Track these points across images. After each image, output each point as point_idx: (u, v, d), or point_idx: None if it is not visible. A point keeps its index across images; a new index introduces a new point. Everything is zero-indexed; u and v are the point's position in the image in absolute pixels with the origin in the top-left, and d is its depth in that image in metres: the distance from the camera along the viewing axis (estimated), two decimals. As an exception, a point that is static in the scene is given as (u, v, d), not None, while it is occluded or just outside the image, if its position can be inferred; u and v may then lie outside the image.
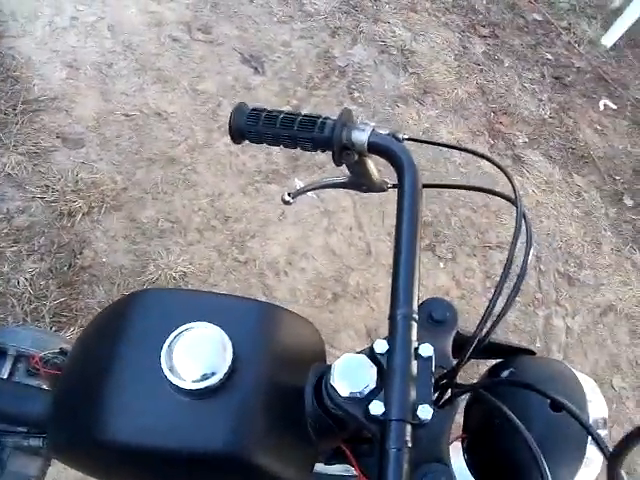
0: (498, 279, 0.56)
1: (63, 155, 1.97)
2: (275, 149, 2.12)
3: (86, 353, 0.71)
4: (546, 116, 2.55)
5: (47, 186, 1.91)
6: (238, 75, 2.27)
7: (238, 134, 0.74)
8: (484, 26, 2.84)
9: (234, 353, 0.53)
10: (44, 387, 1.03)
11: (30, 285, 1.75)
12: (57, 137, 2.00)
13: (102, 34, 2.24)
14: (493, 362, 0.75)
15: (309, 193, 0.96)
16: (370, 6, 2.71)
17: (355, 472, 0.68)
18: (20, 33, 2.19)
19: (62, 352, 1.10)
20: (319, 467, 0.75)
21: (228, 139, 2.22)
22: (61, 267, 1.80)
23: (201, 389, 0.53)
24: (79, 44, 2.20)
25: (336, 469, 0.86)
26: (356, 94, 2.36)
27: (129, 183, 1.96)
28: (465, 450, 0.71)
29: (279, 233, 2.02)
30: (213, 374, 0.53)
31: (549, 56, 2.80)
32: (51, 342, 1.10)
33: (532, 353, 0.76)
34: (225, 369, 0.53)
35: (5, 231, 1.81)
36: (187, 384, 0.52)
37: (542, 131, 2.51)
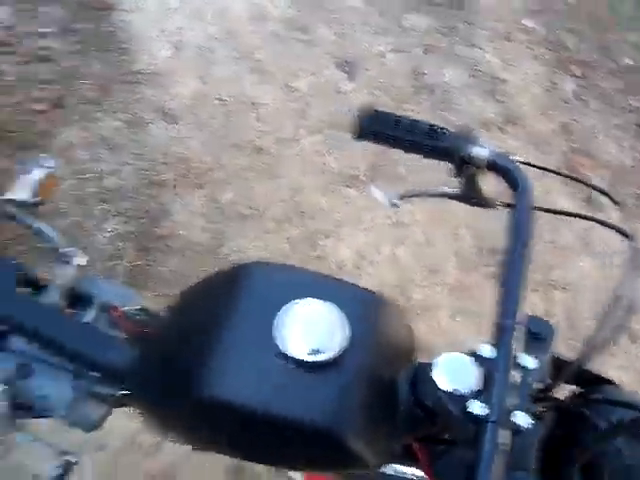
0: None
1: (158, 128, 2.08)
2: (357, 155, 2.19)
3: (188, 316, 0.78)
4: (627, 163, 2.57)
5: (140, 154, 2.02)
6: (330, 78, 2.36)
7: (362, 132, 0.80)
8: (575, 64, 2.87)
9: (350, 331, 0.57)
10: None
11: (110, 244, 1.85)
12: (154, 111, 2.11)
13: (207, 20, 2.36)
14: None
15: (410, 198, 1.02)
16: (465, 29, 2.78)
17: (420, 473, 0.72)
18: (132, 8, 2.32)
19: (143, 309, 1.18)
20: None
21: (314, 138, 2.33)
22: (141, 232, 1.90)
23: (311, 362, 0.56)
24: (185, 26, 2.32)
25: (400, 470, 0.90)
26: (442, 113, 2.42)
27: (215, 164, 2.06)
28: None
29: (351, 236, 2.08)
30: (326, 350, 0.56)
31: (637, 104, 2.82)
32: (133, 298, 1.19)
33: (613, 384, 0.78)
34: (339, 347, 0.56)
35: (95, 190, 1.93)
36: (299, 355, 0.56)
37: (621, 177, 2.53)
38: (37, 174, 1.15)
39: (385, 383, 0.61)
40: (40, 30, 2.23)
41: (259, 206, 2.05)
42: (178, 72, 2.21)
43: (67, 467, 1.19)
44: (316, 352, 0.56)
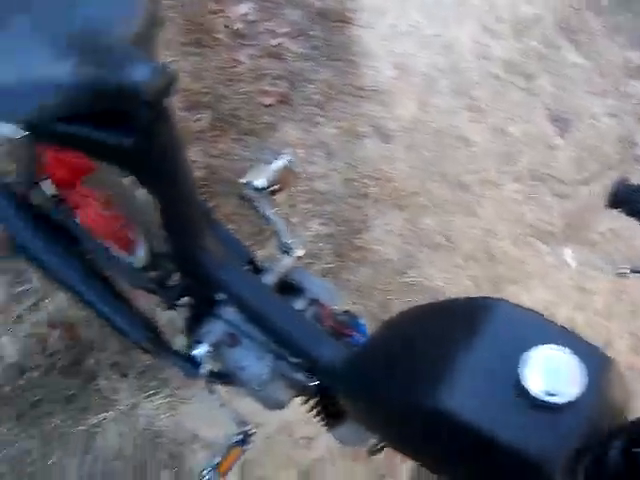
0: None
1: (372, 144, 2.16)
2: (555, 211, 2.17)
3: (419, 332, 0.82)
4: None
5: (351, 164, 2.10)
6: (542, 130, 2.36)
7: (616, 201, 0.79)
8: None
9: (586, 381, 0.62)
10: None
11: (311, 242, 1.93)
12: (371, 126, 2.20)
13: (434, 49, 2.43)
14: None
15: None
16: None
17: None
18: (366, 25, 2.43)
19: (347, 313, 1.22)
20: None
21: (515, 185, 2.30)
22: (340, 238, 1.97)
23: (546, 402, 0.61)
24: (412, 51, 2.41)
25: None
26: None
27: (419, 190, 2.11)
28: None
29: (534, 289, 2.07)
30: (561, 394, 0.61)
31: None
32: (340, 300, 1.23)
33: None
34: (574, 395, 0.61)
35: (305, 189, 2.01)
36: (537, 393, 0.61)
37: None
38: (277, 165, 1.23)
39: (601, 436, 0.64)
40: (278, 30, 2.37)
41: (452, 239, 2.08)
42: (399, 94, 2.29)
43: (246, 437, 1.26)
44: (552, 394, 0.61)
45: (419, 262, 2.01)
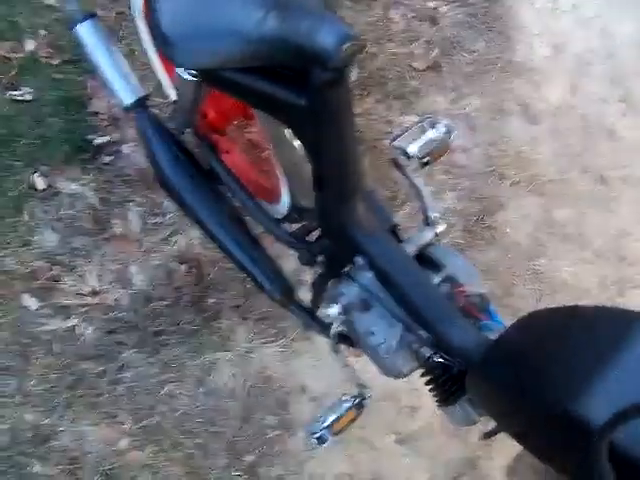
0: None
1: (517, 123, 2.09)
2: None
3: (561, 333, 0.79)
4: None
5: (493, 142, 2.04)
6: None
7: None
8: None
9: None
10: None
11: (443, 216, 1.90)
12: (518, 105, 2.11)
13: (592, 32, 2.29)
14: None
15: None
16: None
17: None
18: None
19: (481, 296, 1.19)
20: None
21: None
22: (472, 215, 1.94)
23: None
24: (569, 32, 2.27)
25: None
26: None
27: (559, 178, 2.03)
28: None
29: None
30: None
31: None
32: (477, 282, 1.19)
33: None
34: None
35: (444, 159, 1.95)
36: None
37: None
38: (432, 134, 1.19)
39: None
40: (434, -9, 2.29)
41: (585, 233, 2.00)
42: (551, 75, 2.18)
43: (362, 400, 1.27)
44: None
45: (548, 251, 1.95)
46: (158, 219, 1.80)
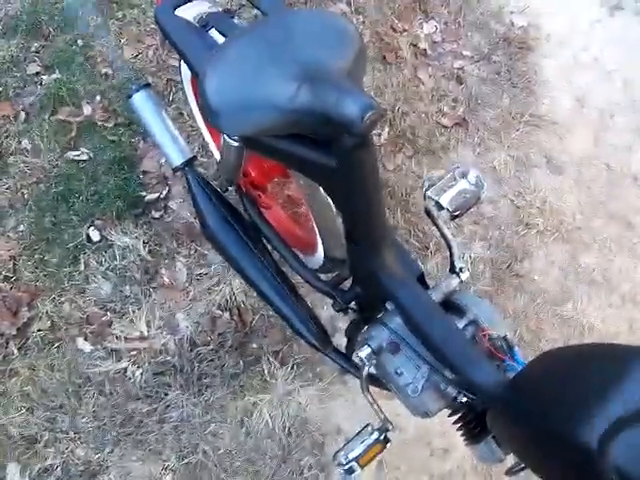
0: None
1: (542, 174, 2.15)
2: None
3: (576, 370, 0.82)
4: None
5: (519, 193, 2.10)
6: None
7: None
8: None
9: None
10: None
11: (473, 264, 1.96)
12: (544, 157, 2.18)
13: (615, 84, 2.35)
14: None
15: None
16: None
17: None
18: (547, 54, 2.39)
19: (505, 339, 1.22)
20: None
21: None
22: (501, 263, 1.99)
23: None
24: (591, 85, 2.34)
25: None
26: None
27: (585, 226, 2.07)
28: None
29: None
30: None
31: None
32: (501, 325, 1.23)
33: None
34: None
35: (472, 210, 2.03)
36: None
37: None
38: (463, 185, 1.24)
39: None
40: (460, 51, 2.39)
41: (612, 279, 2.03)
42: (574, 126, 2.24)
43: (387, 436, 1.31)
44: None
45: (575, 297, 1.99)
46: (203, 270, 1.90)
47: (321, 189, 1.22)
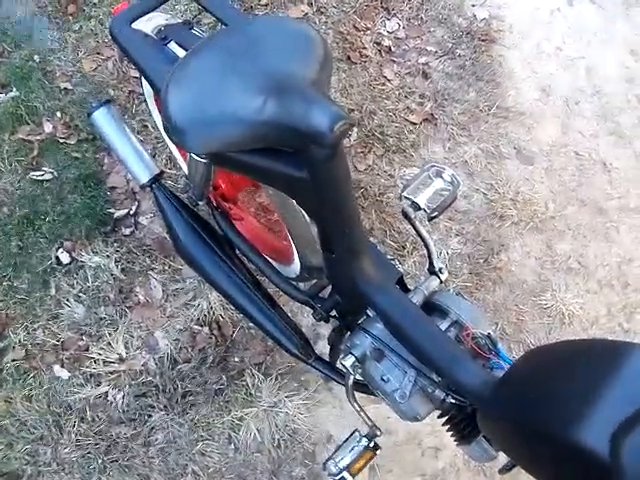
0: None
1: (513, 165, 2.13)
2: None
3: (561, 368, 0.81)
4: None
5: (491, 185, 2.08)
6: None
7: None
8: None
9: None
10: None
11: (450, 261, 1.94)
12: (514, 148, 2.16)
13: (579, 72, 2.35)
14: None
15: None
16: None
17: None
18: (511, 45, 2.38)
19: (489, 337, 1.20)
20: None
21: None
22: (478, 258, 1.97)
23: None
24: (556, 73, 2.33)
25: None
26: None
27: (558, 214, 2.06)
28: None
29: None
30: None
31: None
32: (483, 323, 1.21)
33: None
34: None
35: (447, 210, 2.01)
36: None
37: None
38: (439, 184, 1.21)
39: None
40: (424, 47, 2.36)
41: (588, 265, 2.03)
42: (542, 116, 2.23)
43: (374, 437, 1.28)
44: None
45: (554, 286, 1.98)
46: (179, 285, 1.84)
47: (293, 201, 1.18)
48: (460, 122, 2.19)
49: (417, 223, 1.23)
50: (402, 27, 2.39)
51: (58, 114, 2.04)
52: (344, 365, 1.16)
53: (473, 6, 2.44)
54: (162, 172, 1.45)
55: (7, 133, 1.99)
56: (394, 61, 2.32)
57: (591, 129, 2.24)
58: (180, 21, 1.29)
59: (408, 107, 2.21)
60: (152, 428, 1.65)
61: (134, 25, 1.19)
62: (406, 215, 1.21)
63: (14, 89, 2.05)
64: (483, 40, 2.37)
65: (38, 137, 2.00)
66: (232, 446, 1.65)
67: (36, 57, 2.11)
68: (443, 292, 1.27)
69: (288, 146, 0.91)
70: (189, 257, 1.44)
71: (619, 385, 0.69)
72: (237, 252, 1.49)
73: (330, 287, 1.33)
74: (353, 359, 1.16)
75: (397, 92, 2.24)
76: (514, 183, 2.09)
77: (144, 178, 1.41)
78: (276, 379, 1.74)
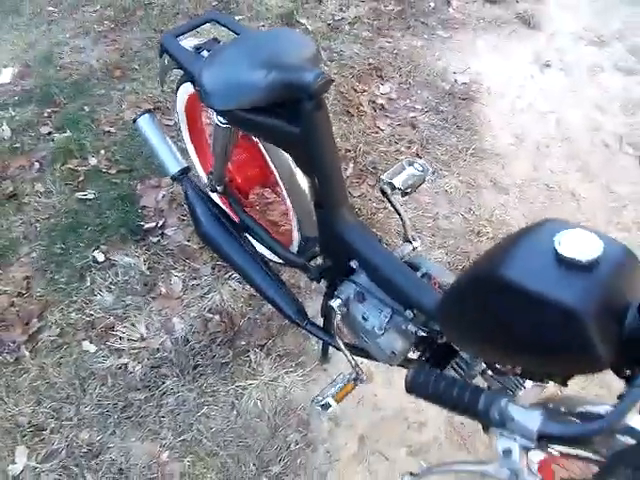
0: None
1: (489, 194, 2.43)
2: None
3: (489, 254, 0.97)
4: None
5: (470, 209, 2.37)
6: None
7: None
8: None
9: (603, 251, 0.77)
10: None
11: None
12: (490, 181, 2.47)
13: (549, 123, 2.70)
14: None
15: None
16: None
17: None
18: (488, 103, 2.77)
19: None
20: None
21: (624, 234, 2.42)
22: (457, 265, 2.22)
23: (574, 260, 0.77)
24: (528, 124, 2.69)
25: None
26: None
27: (530, 232, 2.32)
28: None
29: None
30: (584, 255, 0.77)
31: None
32: (447, 274, 1.41)
33: None
34: (595, 257, 0.76)
35: (430, 225, 2.31)
36: (567, 255, 0.77)
37: None
38: (410, 170, 1.50)
39: (621, 299, 0.78)
40: (413, 105, 2.76)
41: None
42: (515, 157, 2.56)
43: (358, 376, 1.49)
44: (579, 257, 0.77)
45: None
46: (196, 281, 2.12)
47: (293, 166, 1.51)
48: (442, 160, 2.53)
49: (393, 199, 1.51)
50: (394, 90, 2.81)
51: (102, 151, 2.45)
52: (332, 306, 1.41)
53: (454, 73, 2.86)
54: (189, 167, 1.79)
55: (59, 164, 2.39)
56: (387, 116, 2.71)
57: (561, 167, 2.55)
58: (211, 39, 1.70)
59: (398, 150, 2.56)
60: (164, 393, 1.86)
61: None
62: (384, 193, 1.50)
63: (67, 131, 2.47)
64: (463, 99, 2.77)
65: (84, 167, 2.39)
66: (234, 411, 1.84)
67: (86, 108, 2.55)
68: (417, 255, 1.52)
69: (285, 99, 1.23)
70: (209, 238, 1.73)
71: (529, 234, 0.85)
72: (248, 235, 1.78)
73: (321, 256, 1.61)
74: (340, 301, 1.41)
75: (388, 139, 2.61)
76: (490, 207, 2.38)
77: (174, 169, 1.75)
78: (276, 359, 1.96)
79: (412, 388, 0.93)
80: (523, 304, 0.81)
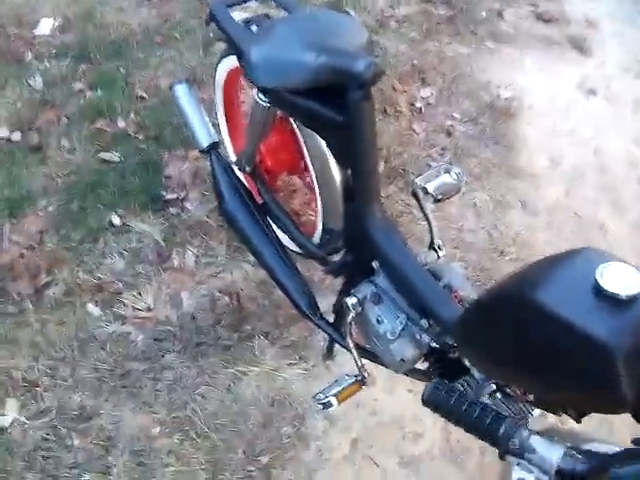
0: None
1: (517, 214, 2.39)
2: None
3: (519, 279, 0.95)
4: None
5: (496, 226, 2.34)
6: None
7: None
8: None
9: None
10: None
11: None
12: (520, 201, 2.43)
13: (587, 150, 2.67)
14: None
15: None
16: None
17: None
18: (528, 121, 2.75)
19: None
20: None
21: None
22: (476, 281, 2.19)
23: (614, 294, 0.75)
24: (566, 148, 2.67)
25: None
26: None
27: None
28: None
29: None
30: (625, 290, 0.75)
31: None
32: (469, 288, 1.38)
33: None
34: (635, 292, 0.74)
35: (454, 237, 2.28)
36: (607, 289, 0.75)
37: None
38: (446, 178, 1.47)
39: None
40: (451, 114, 2.73)
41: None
42: (549, 180, 2.52)
43: (363, 378, 1.46)
44: (619, 291, 0.75)
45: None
46: (210, 259, 2.10)
47: (328, 154, 1.48)
48: (474, 173, 2.49)
49: (424, 203, 1.48)
50: (434, 96, 2.78)
51: (132, 115, 2.43)
52: (347, 303, 1.38)
53: (498, 87, 2.83)
54: (219, 142, 1.76)
55: (87, 122, 2.37)
56: (423, 120, 2.68)
57: (592, 197, 2.51)
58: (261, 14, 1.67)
59: (430, 155, 2.53)
60: (163, 367, 1.85)
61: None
62: (416, 197, 1.46)
63: (100, 90, 2.46)
64: (504, 114, 2.73)
65: (112, 129, 2.38)
66: (231, 395, 1.82)
67: (122, 69, 2.54)
68: (443, 263, 1.49)
69: (332, 84, 1.19)
70: (230, 216, 1.70)
71: (567, 263, 0.84)
72: (269, 219, 1.75)
73: (344, 250, 1.57)
74: (355, 299, 1.38)
75: (422, 143, 2.58)
76: (516, 227, 2.34)
77: (205, 143, 1.72)
78: (280, 349, 1.94)
79: (430, 401, 0.92)
80: (553, 331, 0.79)
